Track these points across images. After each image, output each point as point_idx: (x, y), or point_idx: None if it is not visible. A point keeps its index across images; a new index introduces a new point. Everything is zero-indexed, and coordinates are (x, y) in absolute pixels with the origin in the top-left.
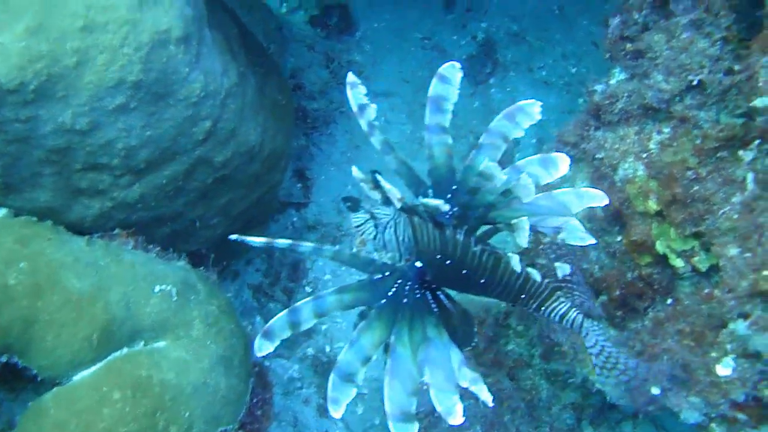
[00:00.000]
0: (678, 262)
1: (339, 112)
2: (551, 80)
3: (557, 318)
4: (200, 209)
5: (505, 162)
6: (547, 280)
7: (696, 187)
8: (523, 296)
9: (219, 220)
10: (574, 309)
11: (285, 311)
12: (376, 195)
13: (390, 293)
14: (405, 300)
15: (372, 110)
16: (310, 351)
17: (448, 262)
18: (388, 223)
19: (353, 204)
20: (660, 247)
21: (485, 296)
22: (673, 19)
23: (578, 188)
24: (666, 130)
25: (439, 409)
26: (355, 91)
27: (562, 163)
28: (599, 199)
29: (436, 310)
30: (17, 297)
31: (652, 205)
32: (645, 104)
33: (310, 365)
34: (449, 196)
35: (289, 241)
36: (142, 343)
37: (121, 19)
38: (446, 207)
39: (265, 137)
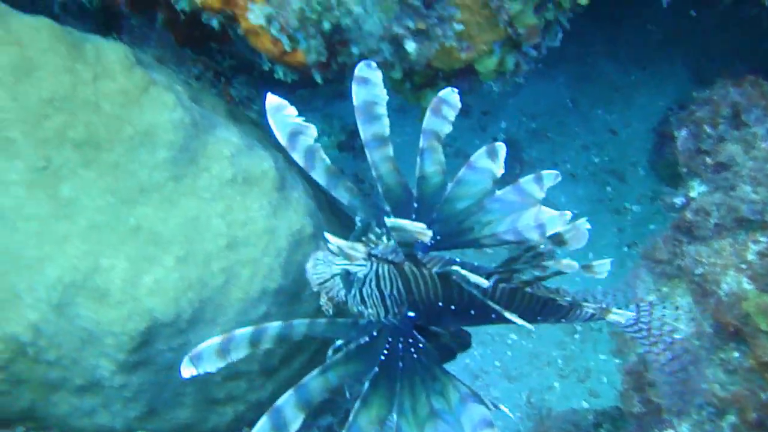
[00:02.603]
0: None
1: None
2: (577, 172)
3: (583, 320)
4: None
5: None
6: (568, 298)
7: None
8: (539, 318)
9: None
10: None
11: (265, 417)
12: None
13: (382, 357)
14: (401, 364)
15: (311, 131)
16: None
17: (452, 307)
18: (366, 276)
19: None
20: None
21: (493, 324)
22: (747, 129)
23: (535, 173)
24: (762, 239)
25: None
26: (279, 118)
27: (501, 150)
28: (553, 177)
29: (422, 340)
30: None
31: None
32: (739, 217)
33: None
34: (414, 217)
35: (250, 329)
36: None
37: (260, 229)
38: (429, 234)
39: None
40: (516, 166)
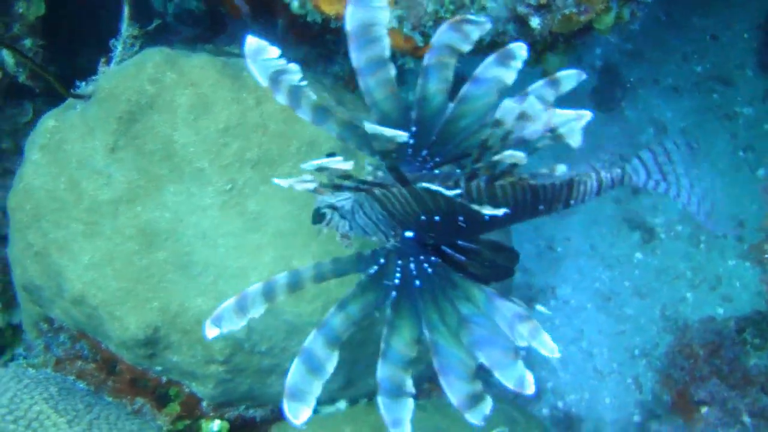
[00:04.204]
0: None
1: None
2: (679, 85)
3: (592, 197)
4: None
5: None
6: (558, 174)
7: None
8: (541, 207)
9: None
10: (603, 174)
11: (297, 360)
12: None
13: (396, 281)
14: (418, 282)
15: (294, 69)
16: (546, 411)
17: (437, 218)
18: (352, 207)
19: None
20: None
21: (501, 228)
22: None
23: (548, 77)
24: None
25: (509, 386)
26: (260, 62)
27: (520, 51)
28: (574, 78)
29: (462, 259)
30: None
31: None
32: None
33: (551, 424)
34: (412, 141)
35: (260, 285)
36: None
37: None
38: (404, 135)
39: None
40: (617, 91)
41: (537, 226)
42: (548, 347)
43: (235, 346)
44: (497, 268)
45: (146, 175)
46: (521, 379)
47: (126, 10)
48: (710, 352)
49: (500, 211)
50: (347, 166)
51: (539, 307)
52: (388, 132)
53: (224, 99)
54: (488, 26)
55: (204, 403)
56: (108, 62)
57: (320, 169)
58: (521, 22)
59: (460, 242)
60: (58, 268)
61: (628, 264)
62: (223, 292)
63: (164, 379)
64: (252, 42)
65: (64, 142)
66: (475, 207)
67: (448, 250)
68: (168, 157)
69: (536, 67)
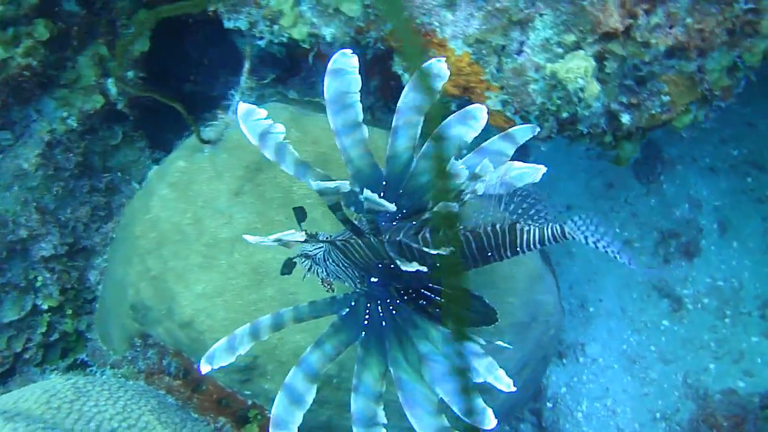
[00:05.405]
0: None
1: None
2: (716, 165)
3: (538, 245)
4: None
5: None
6: (498, 224)
7: None
8: (489, 254)
9: None
10: (546, 226)
11: (280, 394)
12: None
13: (366, 322)
14: (384, 323)
15: (279, 129)
16: None
17: (392, 265)
18: (324, 255)
19: (288, 267)
20: None
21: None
22: None
23: (505, 131)
24: None
25: (468, 420)
26: (250, 122)
27: (480, 113)
28: (529, 131)
29: (436, 297)
30: None
31: None
32: None
33: None
34: (382, 194)
35: (247, 326)
36: None
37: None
38: (346, 184)
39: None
40: (657, 165)
41: (571, 285)
42: (503, 382)
43: (325, 380)
44: (479, 313)
45: (264, 219)
46: (481, 416)
47: (247, 65)
48: (734, 424)
49: (414, 268)
50: (300, 238)
51: (499, 342)
52: (332, 184)
53: (339, 159)
54: (447, 72)
55: None
56: (225, 111)
57: (277, 240)
58: (612, 116)
59: (434, 286)
60: (173, 293)
61: (656, 330)
62: (322, 330)
63: (250, 402)
64: (243, 106)
65: (193, 182)
66: (398, 261)
67: (427, 294)
68: (285, 205)
69: (611, 150)
